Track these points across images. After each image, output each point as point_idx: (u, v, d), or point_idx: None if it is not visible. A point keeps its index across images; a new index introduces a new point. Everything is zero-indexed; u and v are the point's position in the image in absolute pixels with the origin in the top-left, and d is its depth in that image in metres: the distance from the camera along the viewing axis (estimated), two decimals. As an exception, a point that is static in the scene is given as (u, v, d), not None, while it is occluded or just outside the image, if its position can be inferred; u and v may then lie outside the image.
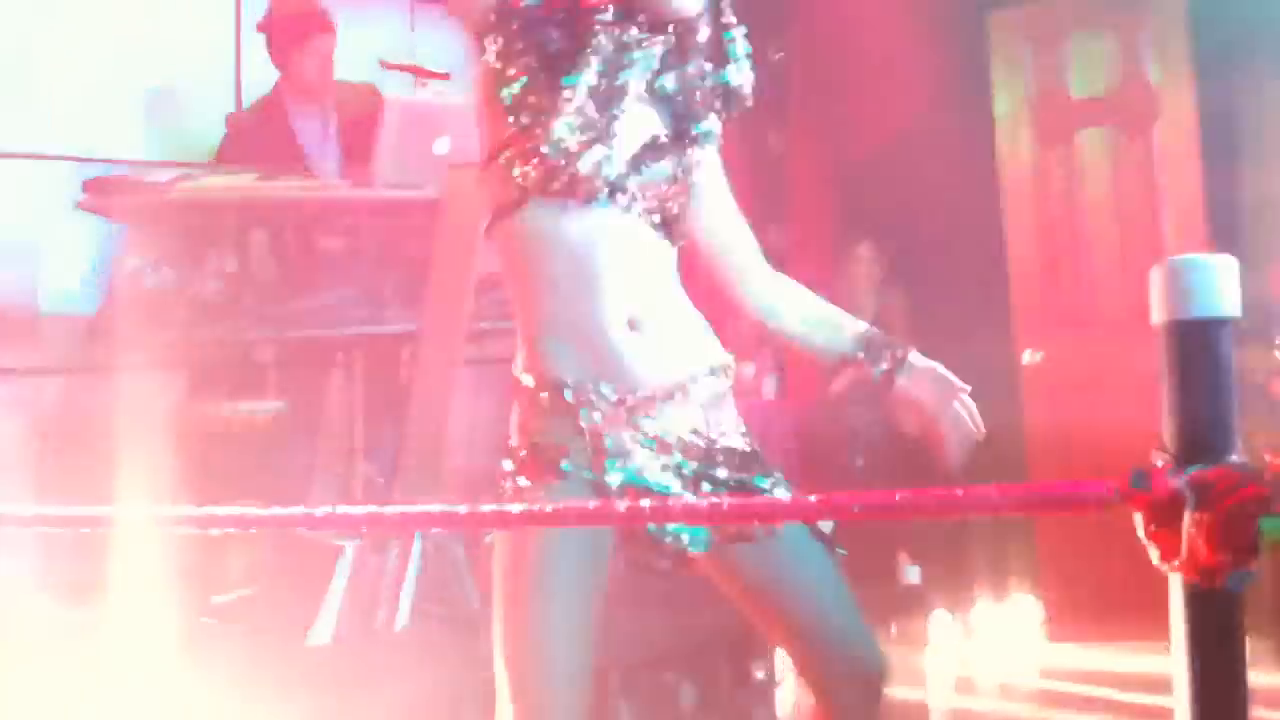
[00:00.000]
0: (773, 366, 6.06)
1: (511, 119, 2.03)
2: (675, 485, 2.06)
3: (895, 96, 5.52)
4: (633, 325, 2.06)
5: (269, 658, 3.49)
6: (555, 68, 2.03)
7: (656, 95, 2.12)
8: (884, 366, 2.14)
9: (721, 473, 2.10)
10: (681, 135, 2.12)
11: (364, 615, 3.67)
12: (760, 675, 4.00)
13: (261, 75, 4.78)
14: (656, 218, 2.10)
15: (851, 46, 5.59)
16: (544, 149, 2.00)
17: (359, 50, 4.67)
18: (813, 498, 2.04)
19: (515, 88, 2.03)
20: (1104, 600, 4.83)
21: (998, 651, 5.22)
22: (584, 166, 2.01)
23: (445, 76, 4.25)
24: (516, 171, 2.03)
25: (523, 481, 2.04)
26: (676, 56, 2.13)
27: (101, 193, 4.03)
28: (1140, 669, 4.48)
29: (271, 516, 2.12)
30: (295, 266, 4.30)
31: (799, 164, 6.11)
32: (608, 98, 2.06)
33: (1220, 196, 4.96)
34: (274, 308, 4.03)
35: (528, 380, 2.08)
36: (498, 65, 2.05)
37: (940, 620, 5.38)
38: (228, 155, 4.55)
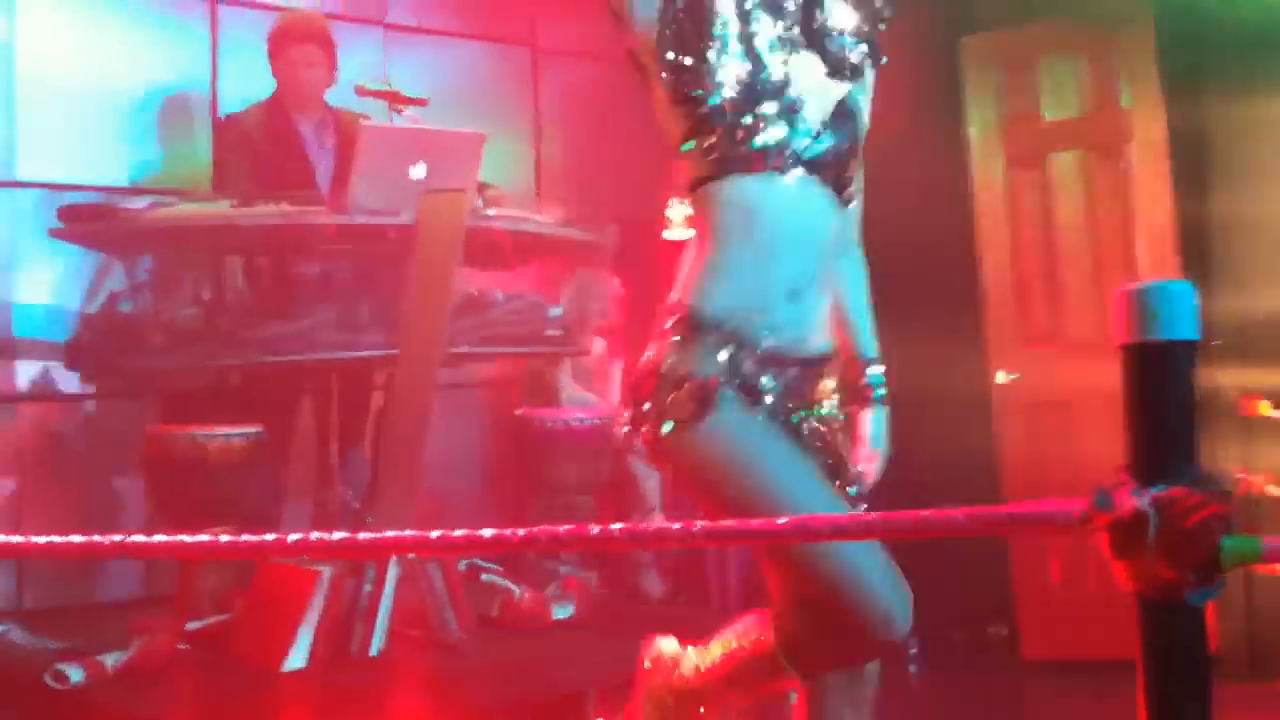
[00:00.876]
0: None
1: (692, 105, 2.10)
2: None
3: (868, 120, 5.54)
4: (795, 295, 2.14)
5: (245, 683, 3.48)
6: (700, 46, 2.09)
7: (804, 44, 2.21)
8: (862, 393, 2.36)
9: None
10: (841, 73, 2.24)
11: (340, 640, 3.66)
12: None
13: (236, 102, 4.80)
14: (833, 186, 2.19)
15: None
16: (731, 127, 2.09)
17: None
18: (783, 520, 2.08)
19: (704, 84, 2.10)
20: (1078, 618, 4.85)
21: (971, 671, 5.23)
22: (769, 141, 2.10)
23: (422, 102, 4.25)
24: (705, 146, 2.11)
25: (728, 399, 2.08)
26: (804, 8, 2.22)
27: (77, 220, 4.03)
28: (1113, 685, 4.49)
29: (246, 544, 2.12)
30: (270, 292, 4.30)
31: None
32: (762, 59, 2.13)
33: (1191, 219, 4.99)
34: (249, 333, 4.02)
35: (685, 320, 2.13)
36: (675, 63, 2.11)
37: (912, 643, 5.37)
38: (227, 147, 4.66)
